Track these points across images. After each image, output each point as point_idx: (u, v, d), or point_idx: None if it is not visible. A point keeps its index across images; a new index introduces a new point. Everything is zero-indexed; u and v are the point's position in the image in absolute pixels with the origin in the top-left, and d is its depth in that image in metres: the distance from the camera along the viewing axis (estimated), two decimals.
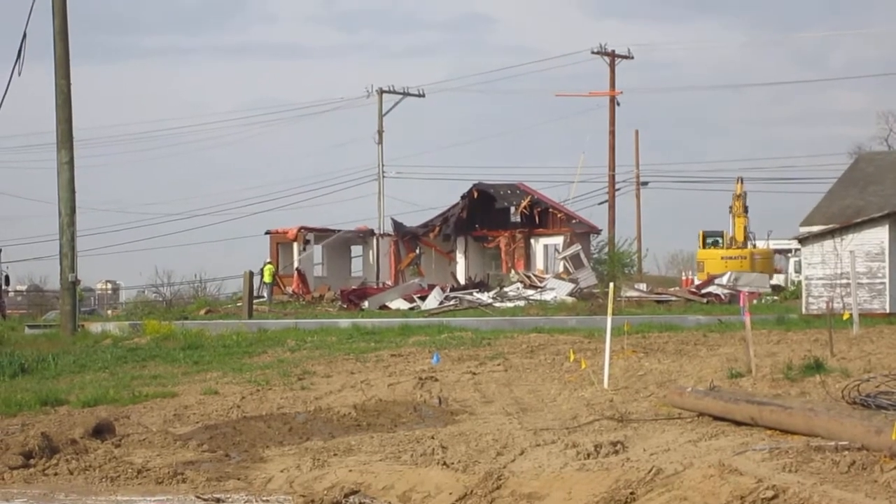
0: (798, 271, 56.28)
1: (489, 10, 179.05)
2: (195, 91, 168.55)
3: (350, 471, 15.68)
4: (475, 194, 72.63)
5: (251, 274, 51.68)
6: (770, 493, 12.42)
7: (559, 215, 71.55)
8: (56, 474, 16.37)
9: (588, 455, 15.40)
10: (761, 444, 15.07)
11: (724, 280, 60.31)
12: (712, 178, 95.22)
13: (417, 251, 73.54)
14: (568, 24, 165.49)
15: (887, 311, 36.95)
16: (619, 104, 77.40)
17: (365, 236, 73.86)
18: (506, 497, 14.16)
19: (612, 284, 24.71)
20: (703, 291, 57.30)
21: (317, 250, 72.49)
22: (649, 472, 13.86)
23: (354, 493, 14.85)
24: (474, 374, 23.91)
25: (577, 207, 75.88)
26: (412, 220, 75.97)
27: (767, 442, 15.20)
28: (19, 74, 37.62)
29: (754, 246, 70.22)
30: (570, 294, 56.04)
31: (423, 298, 56.50)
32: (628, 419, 18.09)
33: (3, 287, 62.72)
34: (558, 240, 70.12)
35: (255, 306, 52.24)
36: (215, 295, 70.18)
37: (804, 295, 39.23)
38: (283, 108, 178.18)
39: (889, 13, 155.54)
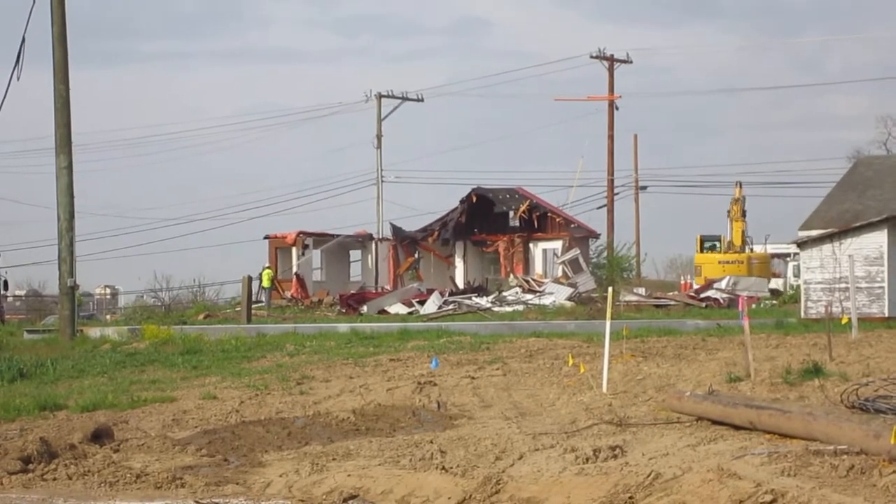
0: (797, 275, 56.30)
1: (487, 15, 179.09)
2: (193, 96, 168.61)
3: (349, 475, 15.67)
4: (474, 199, 72.66)
5: (250, 279, 51.70)
6: (769, 498, 12.42)
7: (558, 220, 71.57)
8: (55, 479, 16.37)
9: (587, 459, 15.40)
10: (760, 448, 15.07)
11: (723, 284, 60.30)
12: (711, 182, 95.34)
13: (416, 256, 73.56)
14: (566, 28, 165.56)
15: (886, 315, 36.96)
16: (617, 108, 77.45)
17: (364, 241, 73.87)
18: (504, 501, 14.16)
19: (610, 289, 24.70)
20: (702, 296, 57.29)
21: (315, 255, 72.51)
22: (648, 476, 13.85)
23: (353, 497, 14.85)
24: (473, 378, 23.90)
25: (575, 212, 75.97)
26: (411, 225, 76.07)
27: (766, 446, 15.20)
28: (18, 79, 37.67)
29: (752, 250, 70.23)
30: (569, 298, 56.04)
31: (421, 303, 56.50)
32: (627, 423, 18.08)
33: (2, 292, 62.71)
34: (557, 244, 70.15)
35: (253, 311, 52.24)
36: (214, 300, 70.16)
37: (803, 299, 39.24)
38: (282, 112, 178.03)
39: (887, 17, 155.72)
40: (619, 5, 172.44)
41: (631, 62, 78.50)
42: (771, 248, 74.16)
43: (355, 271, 74.87)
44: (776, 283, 66.91)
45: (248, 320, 47.42)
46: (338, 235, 73.17)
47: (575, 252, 66.28)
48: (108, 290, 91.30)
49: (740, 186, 71.31)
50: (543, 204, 72.61)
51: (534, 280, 62.25)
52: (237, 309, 55.33)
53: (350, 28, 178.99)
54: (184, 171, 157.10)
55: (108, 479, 16.15)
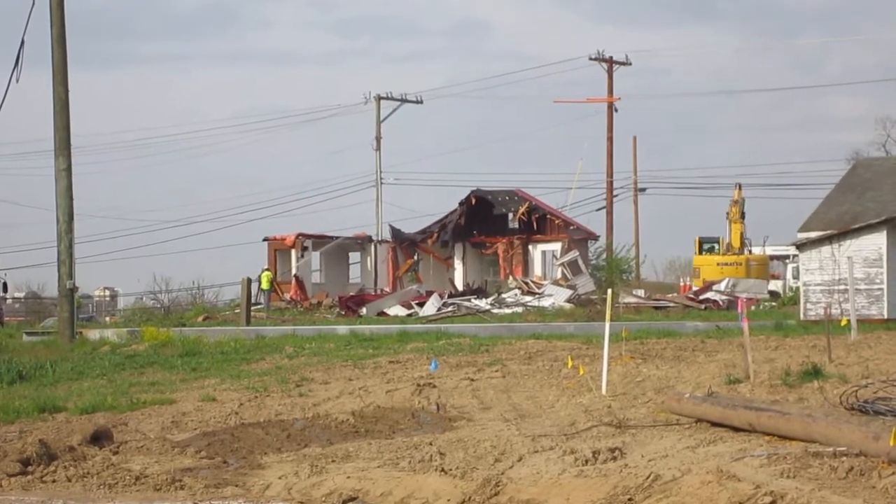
0: (796, 277, 56.29)
1: (487, 17, 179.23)
2: (192, 98, 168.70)
3: (348, 477, 15.67)
4: (473, 201, 72.68)
5: (249, 281, 51.72)
6: (768, 499, 12.43)
7: (557, 221, 71.59)
8: (54, 481, 16.36)
9: (586, 461, 15.39)
10: (759, 450, 15.07)
11: (722, 286, 60.33)
12: (710, 184, 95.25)
13: (415, 258, 73.57)
14: (566, 30, 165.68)
15: (885, 316, 36.97)
16: (616, 110, 77.48)
17: (363, 243, 73.88)
18: (504, 503, 14.16)
19: (609, 290, 24.71)
20: (701, 297, 57.32)
21: (315, 257, 72.51)
22: (647, 478, 13.86)
23: (353, 499, 14.86)
24: (472, 380, 23.90)
25: (575, 214, 76.00)
26: (410, 227, 76.08)
27: (765, 448, 15.20)
28: (17, 81, 37.69)
29: (750, 252, 70.25)
30: (568, 300, 56.05)
31: (421, 305, 56.50)
32: (626, 425, 18.08)
33: (1, 294, 62.74)
34: (556, 246, 70.17)
35: (253, 313, 52.25)
36: (213, 302, 70.19)
37: (802, 301, 39.25)
38: (281, 114, 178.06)
39: (887, 19, 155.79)
40: (619, 7, 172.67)
41: (630, 64, 78.60)
42: (770, 250, 74.18)
43: (354, 273, 74.88)
44: (775, 285, 66.94)
45: (248, 322, 47.44)
46: (337, 237, 73.18)
47: (574, 254, 66.29)
48: (107, 292, 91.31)
49: (740, 188, 71.35)
50: (542, 206, 72.63)
51: (533, 282, 62.26)
52: (236, 311, 55.34)
53: (350, 29, 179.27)
54: (183, 173, 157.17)
55: (107, 482, 16.14)
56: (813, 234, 41.12)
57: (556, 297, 56.50)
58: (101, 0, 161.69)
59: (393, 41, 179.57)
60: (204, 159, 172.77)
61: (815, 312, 36.95)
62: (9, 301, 76.70)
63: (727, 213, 70.80)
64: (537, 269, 70.76)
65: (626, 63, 78.23)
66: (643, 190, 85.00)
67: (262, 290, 63.78)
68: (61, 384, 27.41)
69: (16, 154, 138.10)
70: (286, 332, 38.41)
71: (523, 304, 55.28)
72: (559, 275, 65.49)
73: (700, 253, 71.73)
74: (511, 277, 66.37)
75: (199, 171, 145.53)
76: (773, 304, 56.59)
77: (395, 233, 74.57)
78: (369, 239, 74.44)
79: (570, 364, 23.93)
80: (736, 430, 16.63)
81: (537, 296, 57.32)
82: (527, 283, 61.17)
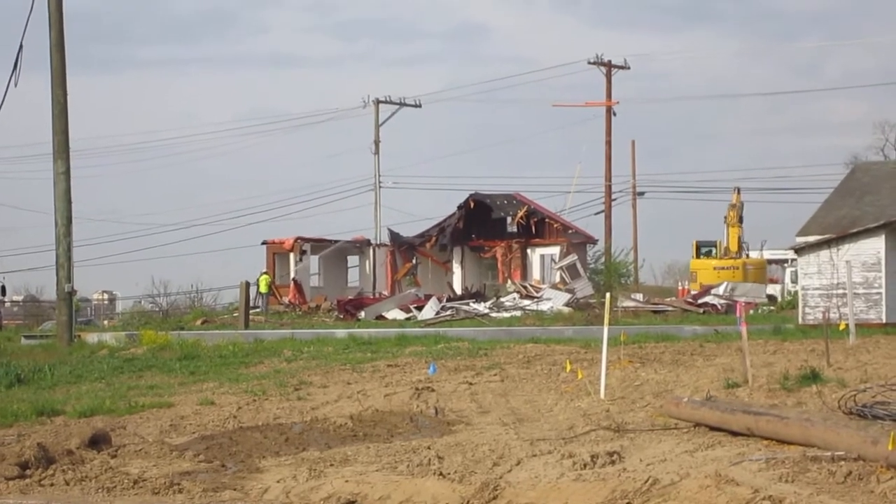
0: (794, 281, 56.29)
1: (486, 20, 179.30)
2: (191, 102, 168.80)
3: (346, 481, 15.67)
4: (472, 204, 72.69)
5: (247, 284, 51.68)
6: None
7: (556, 225, 71.60)
8: (52, 485, 16.35)
9: (584, 465, 15.40)
10: (758, 454, 15.07)
11: (721, 290, 60.32)
12: (709, 188, 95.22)
13: (414, 261, 73.54)
14: (565, 34, 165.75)
15: (884, 321, 36.96)
16: (615, 114, 77.51)
17: (361, 246, 73.87)
18: None
19: (608, 294, 24.72)
20: (700, 302, 57.32)
21: (313, 260, 72.51)
22: (646, 482, 13.86)
23: (351, 503, 14.85)
24: (471, 384, 23.90)
25: (573, 217, 76.01)
26: (409, 231, 76.09)
27: (764, 452, 15.20)
28: (16, 85, 37.69)
29: (747, 256, 70.28)
30: (567, 304, 56.02)
31: (419, 309, 56.48)
32: (625, 429, 18.09)
33: (0, 297, 62.70)
34: (555, 250, 70.16)
35: (251, 317, 52.23)
36: (212, 305, 70.19)
37: (801, 305, 39.24)
38: (280, 118, 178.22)
39: (885, 23, 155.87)
40: (618, 11, 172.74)
41: (629, 68, 78.66)
42: (769, 254, 74.19)
43: (353, 277, 74.87)
44: (773, 289, 66.94)
45: (246, 326, 47.42)
46: (335, 241, 73.17)
47: (572, 258, 66.28)
48: (105, 296, 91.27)
49: (738, 192, 71.39)
50: (541, 210, 72.63)
51: (531, 286, 62.24)
52: (235, 314, 55.31)
53: (348, 33, 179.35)
54: (181, 176, 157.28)
55: (105, 485, 16.14)
56: (811, 239, 41.11)
57: (555, 301, 56.47)
58: (100, 4, 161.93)
59: (392, 45, 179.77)
60: (203, 163, 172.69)
61: (814, 316, 36.94)
62: (7, 304, 76.70)
63: (725, 217, 70.83)
64: (536, 273, 70.76)
65: (624, 67, 78.32)
66: (642, 194, 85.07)
67: (260, 293, 63.76)
68: (59, 387, 27.40)
69: (14, 157, 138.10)
70: (285, 336, 38.40)
71: (522, 308, 55.25)
72: (558, 279, 65.47)
73: (697, 257, 71.75)
74: (510, 281, 66.35)
75: (198, 175, 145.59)
76: (772, 308, 56.58)
77: (394, 236, 74.57)
78: (368, 242, 74.44)
79: (568, 368, 23.93)
80: (734, 434, 16.64)
81: (536, 300, 57.30)
82: (525, 287, 61.15)
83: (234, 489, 15.90)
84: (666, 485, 13.69)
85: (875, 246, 37.93)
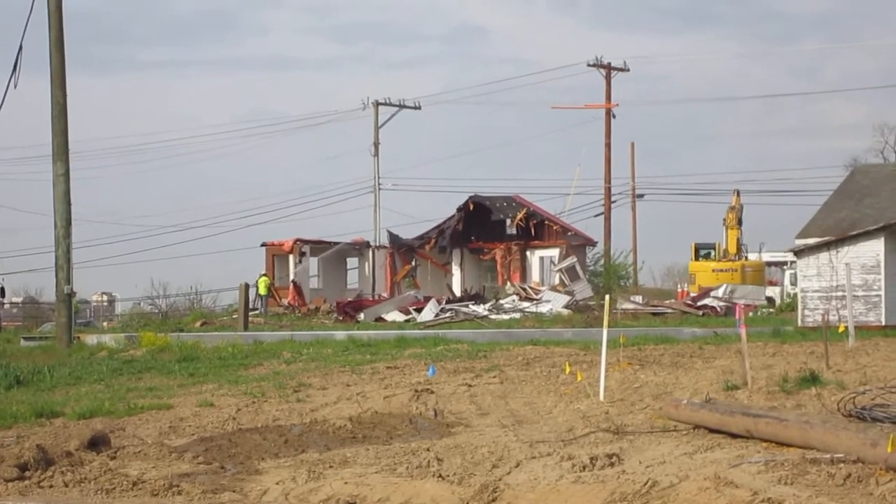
0: (794, 283, 56.29)
1: (485, 23, 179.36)
2: (190, 103, 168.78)
3: (346, 483, 15.66)
4: (471, 206, 72.68)
5: (247, 286, 51.65)
6: None
7: (555, 227, 71.59)
8: (51, 487, 16.35)
9: (584, 467, 15.39)
10: (757, 456, 15.08)
11: (720, 292, 60.34)
12: (708, 190, 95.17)
13: (413, 263, 73.54)
14: (564, 36, 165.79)
15: (883, 323, 36.97)
16: (614, 116, 77.55)
17: (361, 248, 73.87)
18: None
19: (607, 297, 24.74)
20: (699, 304, 57.32)
21: (313, 262, 72.52)
22: (645, 484, 13.86)
23: None
24: (470, 386, 23.90)
25: (572, 220, 75.99)
26: (408, 233, 76.08)
27: (763, 454, 15.21)
28: (15, 86, 37.67)
29: (745, 258, 70.29)
30: (566, 306, 56.01)
31: (418, 310, 56.46)
32: (624, 431, 18.08)
33: None
34: (554, 252, 70.14)
35: (250, 318, 52.22)
36: (211, 307, 70.21)
37: (800, 307, 39.25)
38: (279, 120, 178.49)
39: (885, 25, 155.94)
40: (617, 13, 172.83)
41: (628, 70, 78.68)
42: (768, 256, 74.20)
43: (352, 279, 74.87)
44: (773, 292, 66.96)
45: (245, 328, 47.40)
46: (335, 243, 73.17)
47: (572, 260, 66.27)
48: (105, 298, 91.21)
49: (738, 195, 71.40)
50: (540, 212, 72.62)
51: (531, 288, 62.24)
52: (234, 316, 55.29)
53: (348, 35, 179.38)
54: (181, 178, 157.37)
55: (104, 487, 16.13)
56: (811, 241, 41.14)
57: (554, 303, 56.46)
58: (100, 5, 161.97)
59: (391, 47, 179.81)
60: (202, 164, 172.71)
61: (813, 319, 36.95)
62: (6, 306, 76.65)
63: (724, 220, 70.85)
64: (535, 275, 70.74)
65: (624, 69, 78.32)
66: (641, 196, 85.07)
67: (259, 295, 63.77)
68: (59, 389, 27.39)
69: (14, 159, 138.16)
70: (284, 338, 38.40)
71: (521, 310, 55.24)
72: (557, 281, 65.46)
73: (696, 259, 71.76)
74: (509, 283, 66.34)
75: (198, 177, 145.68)
76: (771, 310, 56.58)
77: (393, 238, 74.56)
78: (367, 244, 74.44)
79: (567, 370, 23.93)
80: (733, 436, 16.64)
81: (535, 302, 57.29)
82: (525, 289, 61.14)
83: (234, 491, 15.90)
84: (665, 487, 13.69)
85: (874, 248, 37.94)
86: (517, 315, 53.84)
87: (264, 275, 66.32)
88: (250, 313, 53.62)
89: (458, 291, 67.11)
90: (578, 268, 65.46)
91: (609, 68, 77.49)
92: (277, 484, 16.07)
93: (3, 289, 64.71)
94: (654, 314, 53.81)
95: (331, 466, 17.00)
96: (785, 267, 70.33)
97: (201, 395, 24.93)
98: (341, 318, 57.12)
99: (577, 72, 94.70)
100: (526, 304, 57.00)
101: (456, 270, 73.34)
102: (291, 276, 69.57)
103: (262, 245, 72.34)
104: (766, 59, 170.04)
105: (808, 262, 38.92)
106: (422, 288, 68.85)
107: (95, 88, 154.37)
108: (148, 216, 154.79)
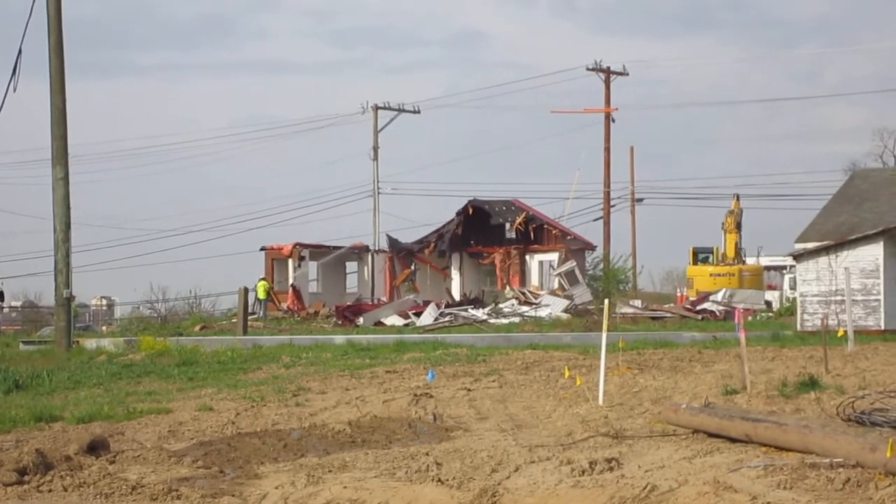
0: (793, 288, 56.32)
1: (484, 27, 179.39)
2: (190, 107, 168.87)
3: (345, 487, 15.65)
4: (470, 210, 72.71)
5: (246, 290, 51.68)
6: None
7: (554, 232, 71.61)
8: (50, 491, 16.33)
9: (583, 472, 15.39)
10: (756, 460, 15.07)
11: (719, 297, 60.37)
12: (708, 194, 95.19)
13: (412, 267, 73.57)
14: (564, 40, 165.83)
15: (882, 327, 37.00)
16: (614, 121, 77.59)
17: (360, 252, 73.87)
18: None
19: (606, 301, 24.71)
20: (699, 308, 57.35)
21: (312, 266, 72.52)
22: (644, 488, 13.85)
23: None
24: (469, 390, 23.89)
25: (572, 224, 76.05)
26: (407, 237, 76.13)
27: (762, 459, 15.20)
28: (14, 90, 37.65)
29: (743, 262, 70.32)
30: (565, 310, 56.05)
31: (418, 315, 56.49)
32: (623, 436, 18.08)
33: None
34: (553, 256, 70.19)
35: (250, 322, 52.22)
36: (210, 311, 70.14)
37: (799, 311, 39.27)
38: (278, 124, 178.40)
39: (884, 30, 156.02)
40: (617, 18, 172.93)
41: (627, 74, 78.75)
42: (768, 261, 74.24)
43: (351, 283, 74.89)
44: (772, 296, 67.00)
45: (245, 332, 47.40)
46: (334, 248, 73.16)
47: (571, 264, 66.30)
48: (104, 302, 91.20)
49: (738, 199, 71.41)
50: (540, 216, 72.65)
51: (530, 292, 62.26)
52: (233, 320, 55.30)
53: (347, 40, 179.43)
54: (180, 182, 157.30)
55: (103, 491, 16.12)
56: (810, 245, 41.17)
57: (553, 308, 56.50)
58: (99, 10, 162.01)
59: (390, 51, 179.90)
60: (201, 169, 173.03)
61: (812, 323, 36.97)
62: (5, 310, 76.68)
63: (722, 224, 70.87)
64: (534, 280, 70.76)
65: (623, 73, 78.36)
66: (640, 200, 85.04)
67: (258, 299, 63.78)
68: (58, 393, 27.37)
69: (13, 163, 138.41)
70: (283, 342, 38.38)
71: (520, 315, 55.27)
72: (556, 285, 65.50)
73: (694, 263, 71.78)
74: (508, 287, 66.38)
75: (197, 181, 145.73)
76: (771, 314, 56.61)
77: (393, 242, 74.59)
78: (366, 249, 74.44)
79: (566, 374, 23.92)
80: (733, 440, 16.63)
81: (534, 306, 57.33)
82: (524, 294, 61.18)
83: (233, 495, 15.88)
84: (664, 491, 13.68)
85: (873, 253, 37.97)
86: (516, 319, 53.88)
87: (263, 279, 66.32)
88: (249, 317, 53.65)
89: (457, 295, 67.12)
90: (577, 272, 65.51)
91: (608, 72, 77.53)
92: (277, 488, 16.06)
93: (2, 293, 64.73)
94: (654, 318, 53.86)
95: (330, 471, 16.99)
96: (784, 271, 70.37)
97: (200, 399, 24.91)
98: (340, 322, 57.14)
99: (576, 76, 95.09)
100: (525, 308, 57.03)
101: (455, 274, 73.35)
102: (291, 281, 69.57)
103: (262, 249, 72.35)
104: (765, 63, 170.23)
105: (808, 267, 38.95)
106: (421, 292, 68.88)
107: (95, 92, 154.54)
108: (147, 220, 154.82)
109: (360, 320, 56.47)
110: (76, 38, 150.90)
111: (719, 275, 68.11)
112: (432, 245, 73.14)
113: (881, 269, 37.69)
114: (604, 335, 22.22)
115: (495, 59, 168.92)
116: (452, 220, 73.32)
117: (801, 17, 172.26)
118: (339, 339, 39.35)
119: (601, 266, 70.15)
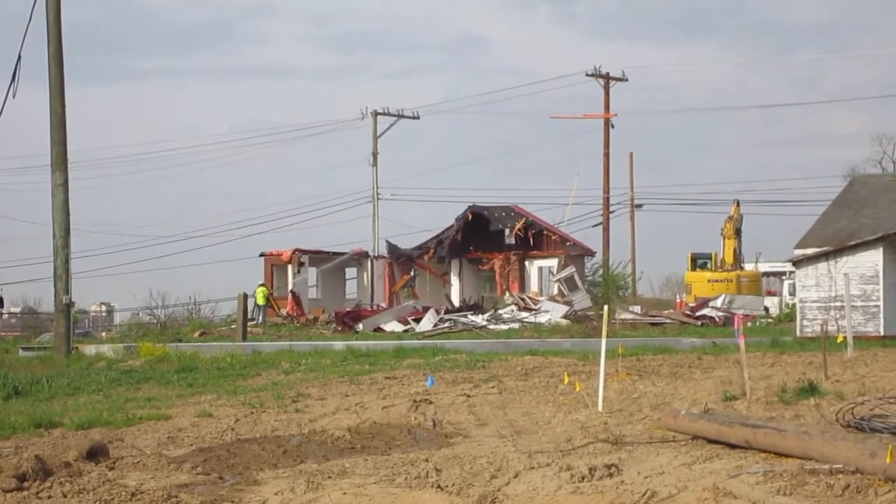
0: (792, 294, 56.33)
1: (484, 33, 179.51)
2: (189, 113, 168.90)
3: (344, 493, 15.65)
4: (469, 216, 72.73)
5: (245, 296, 51.69)
6: None
7: (553, 237, 71.64)
8: (50, 497, 16.33)
9: (582, 478, 15.38)
10: (755, 467, 15.07)
11: (719, 302, 60.37)
12: (707, 200, 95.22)
13: (412, 273, 73.57)
14: (563, 46, 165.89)
15: (881, 333, 36.99)
16: (613, 126, 77.60)
17: (359, 258, 73.87)
18: None
19: (606, 307, 24.71)
20: (698, 314, 57.34)
21: (311, 272, 72.53)
22: (644, 494, 13.85)
23: None
24: (469, 396, 23.89)
25: (571, 230, 76.09)
26: (407, 243, 76.16)
27: (762, 465, 15.20)
28: (14, 96, 37.64)
29: (741, 268, 70.33)
30: (565, 316, 56.04)
31: (417, 321, 56.49)
32: (622, 442, 18.07)
33: None
34: (553, 262, 70.21)
35: (249, 329, 52.22)
36: (209, 317, 70.19)
37: (798, 317, 39.27)
38: (277, 130, 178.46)
39: (883, 35, 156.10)
40: (616, 23, 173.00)
41: (626, 80, 78.73)
42: (766, 267, 74.25)
43: (351, 289, 74.90)
44: (770, 302, 67.03)
45: (244, 338, 47.40)
46: (334, 254, 73.16)
47: (570, 270, 66.31)
48: (103, 308, 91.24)
49: (738, 205, 71.43)
50: (539, 222, 72.67)
51: (529, 298, 62.27)
52: (233, 326, 55.30)
53: (346, 45, 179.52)
54: (180, 188, 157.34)
55: (103, 497, 16.11)
56: (809, 251, 41.15)
57: (553, 314, 56.49)
58: (99, 16, 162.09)
59: (390, 57, 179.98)
60: (201, 174, 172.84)
61: (812, 329, 36.97)
62: (5, 316, 76.67)
63: (722, 230, 70.90)
64: (534, 285, 70.78)
65: (622, 79, 78.38)
66: (640, 206, 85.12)
67: (258, 305, 63.78)
68: (57, 399, 27.36)
69: (13, 169, 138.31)
70: (282, 348, 38.38)
71: (520, 320, 55.26)
72: (555, 291, 65.49)
73: (693, 269, 71.80)
74: (507, 293, 66.37)
75: (197, 187, 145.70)
76: (770, 320, 56.63)
77: (392, 248, 74.59)
78: (366, 255, 74.45)
79: (566, 380, 23.91)
80: (732, 447, 16.63)
81: (534, 312, 57.32)
82: (523, 299, 61.17)
83: (232, 501, 15.88)
84: (664, 497, 13.68)
85: (873, 258, 37.98)
86: (516, 325, 53.88)
87: (263, 285, 66.31)
88: (249, 323, 53.64)
89: (456, 301, 67.15)
90: (577, 278, 65.50)
91: (608, 78, 77.56)
92: (276, 494, 16.05)
93: (1, 299, 64.68)
94: (653, 324, 53.84)
95: (329, 477, 16.98)
96: (783, 277, 70.38)
97: (200, 405, 24.91)
98: (340, 328, 57.13)
99: (575, 82, 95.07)
100: (524, 314, 57.02)
101: (454, 280, 73.36)
102: (290, 287, 69.57)
103: (261, 255, 72.36)
104: (765, 69, 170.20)
105: (807, 273, 38.95)
106: (420, 298, 68.88)
107: (94, 98, 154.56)
108: (147, 226, 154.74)
109: (360, 326, 56.47)
110: (75, 43, 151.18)
111: (717, 281, 68.13)
112: (432, 251, 73.15)
113: (880, 274, 37.70)
114: (603, 341, 22.22)
115: (495, 65, 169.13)
116: (452, 225, 73.33)
117: (800, 23, 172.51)
118: (339, 345, 39.35)
119: (600, 272, 70.03)
